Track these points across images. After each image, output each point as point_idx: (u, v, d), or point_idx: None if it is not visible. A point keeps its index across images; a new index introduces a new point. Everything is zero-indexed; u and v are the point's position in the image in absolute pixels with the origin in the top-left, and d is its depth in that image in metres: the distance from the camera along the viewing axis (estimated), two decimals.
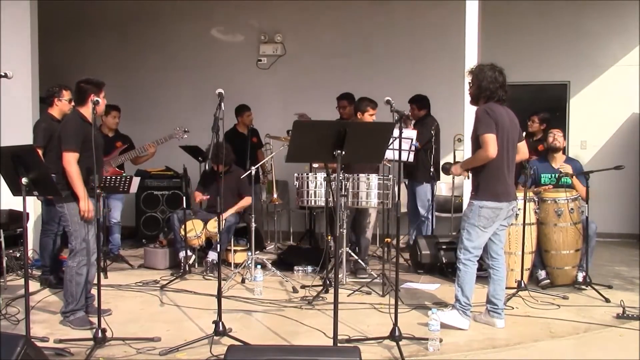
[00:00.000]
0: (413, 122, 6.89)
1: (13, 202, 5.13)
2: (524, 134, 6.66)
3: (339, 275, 5.08)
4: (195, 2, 8.84)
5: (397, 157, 4.25)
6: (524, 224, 5.22)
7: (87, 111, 4.32)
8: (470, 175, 4.38)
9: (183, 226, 6.11)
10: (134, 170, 7.38)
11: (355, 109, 5.95)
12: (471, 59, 5.44)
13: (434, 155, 6.76)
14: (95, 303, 4.05)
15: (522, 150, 4.50)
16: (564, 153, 5.96)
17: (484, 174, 4.21)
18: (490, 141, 4.09)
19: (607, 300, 4.95)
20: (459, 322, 4.22)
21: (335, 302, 3.49)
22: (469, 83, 4.39)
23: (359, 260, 5.96)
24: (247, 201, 6.32)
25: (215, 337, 3.89)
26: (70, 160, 4.21)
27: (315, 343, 3.89)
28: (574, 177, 5.57)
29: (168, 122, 7.77)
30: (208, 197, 6.33)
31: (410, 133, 6.05)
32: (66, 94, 5.37)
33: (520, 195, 5.33)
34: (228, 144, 6.10)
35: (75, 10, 9.07)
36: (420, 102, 7.06)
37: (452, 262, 5.34)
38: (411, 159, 6.10)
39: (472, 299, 4.29)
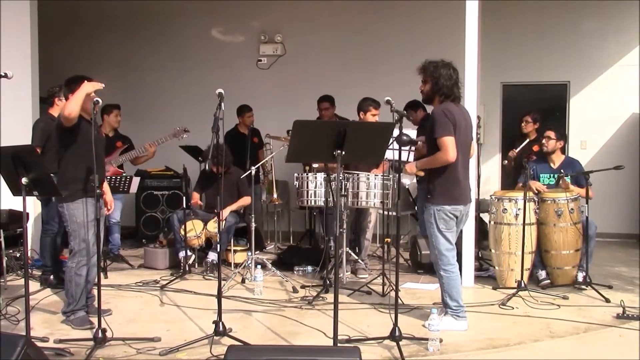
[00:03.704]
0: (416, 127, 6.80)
1: (13, 202, 5.13)
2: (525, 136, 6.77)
3: (339, 275, 5.08)
4: (195, 2, 8.84)
5: (397, 157, 4.23)
6: (523, 224, 5.22)
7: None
8: (425, 178, 4.28)
9: (183, 226, 6.11)
10: (133, 170, 7.38)
11: (358, 109, 5.95)
12: (471, 59, 5.44)
13: None
14: (96, 303, 4.06)
15: (472, 150, 4.45)
16: (563, 153, 5.96)
17: (440, 178, 4.12)
18: (450, 144, 4.00)
19: (607, 300, 4.95)
20: (455, 326, 4.19)
21: (335, 302, 3.49)
22: (422, 81, 4.26)
23: (359, 260, 5.97)
24: (246, 200, 6.33)
25: (215, 337, 3.89)
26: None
27: (315, 343, 3.90)
28: (569, 185, 5.55)
29: (168, 122, 7.77)
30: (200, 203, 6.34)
31: (410, 133, 6.03)
32: None
33: (520, 195, 5.35)
34: (226, 145, 6.11)
35: (75, 10, 9.08)
36: (415, 105, 6.95)
37: None
38: (411, 158, 6.09)
39: (465, 299, 4.29)
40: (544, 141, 5.80)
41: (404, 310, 4.59)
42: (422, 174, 4.34)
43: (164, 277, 5.82)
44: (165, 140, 6.37)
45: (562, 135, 5.87)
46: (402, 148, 4.13)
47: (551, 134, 5.78)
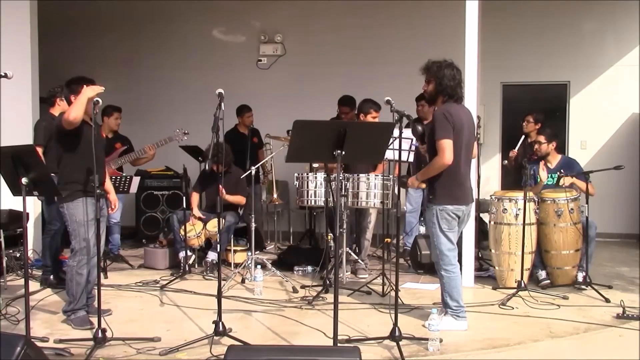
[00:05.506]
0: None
1: (13, 202, 5.13)
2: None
3: (339, 275, 5.08)
4: (195, 2, 8.84)
5: (397, 157, 4.23)
6: (523, 224, 5.22)
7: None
8: (427, 182, 4.27)
9: (183, 226, 6.11)
10: (133, 171, 7.38)
11: (358, 110, 5.94)
12: (471, 59, 5.44)
13: None
14: (96, 303, 4.06)
15: (473, 151, 4.45)
16: (561, 152, 5.95)
17: (441, 180, 4.11)
18: (447, 147, 4.00)
19: (607, 300, 4.95)
20: (455, 326, 4.19)
21: (335, 302, 3.49)
22: (426, 81, 4.26)
23: (359, 260, 5.96)
24: (240, 199, 6.33)
25: (215, 337, 3.89)
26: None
27: (315, 343, 3.90)
28: (573, 177, 5.56)
29: (167, 122, 7.78)
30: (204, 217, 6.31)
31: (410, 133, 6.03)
32: None
33: (520, 195, 5.35)
34: (227, 144, 6.12)
35: (75, 10, 9.07)
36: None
37: None
38: (411, 159, 6.09)
39: (465, 299, 4.29)
40: (535, 147, 5.80)
41: (404, 310, 4.59)
42: (424, 185, 4.36)
43: (164, 277, 5.82)
44: (165, 143, 6.37)
45: (552, 136, 5.81)
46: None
47: (541, 138, 5.78)
